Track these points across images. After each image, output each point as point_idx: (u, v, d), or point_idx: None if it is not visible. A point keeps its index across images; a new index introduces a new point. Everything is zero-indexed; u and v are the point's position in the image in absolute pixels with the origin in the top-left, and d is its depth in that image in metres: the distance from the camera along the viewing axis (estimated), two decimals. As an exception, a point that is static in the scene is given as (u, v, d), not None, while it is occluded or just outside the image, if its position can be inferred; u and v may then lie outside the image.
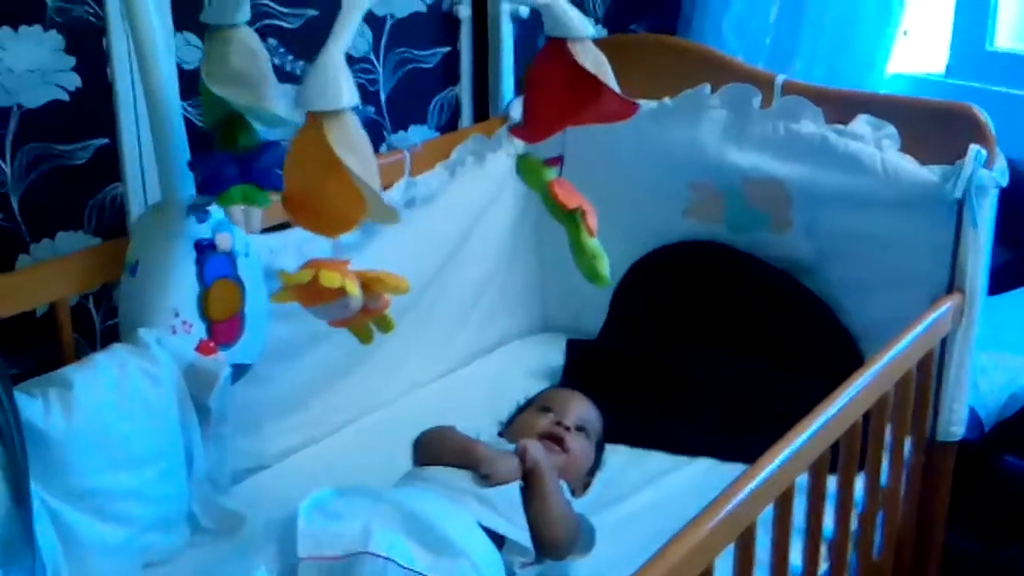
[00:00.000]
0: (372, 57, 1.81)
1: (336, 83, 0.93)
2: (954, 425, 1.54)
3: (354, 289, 1.07)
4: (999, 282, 1.71)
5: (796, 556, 1.23)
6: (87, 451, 1.20)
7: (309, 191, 1.00)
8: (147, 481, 1.28)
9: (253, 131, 1.29)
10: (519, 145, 1.54)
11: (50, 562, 1.15)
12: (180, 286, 1.31)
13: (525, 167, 1.18)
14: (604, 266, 1.14)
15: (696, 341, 1.69)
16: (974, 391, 1.57)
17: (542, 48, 1.14)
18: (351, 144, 0.93)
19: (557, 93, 1.11)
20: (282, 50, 1.68)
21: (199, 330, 1.34)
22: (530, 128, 1.16)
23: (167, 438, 1.31)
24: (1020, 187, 1.62)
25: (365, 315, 1.12)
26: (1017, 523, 1.66)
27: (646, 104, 1.73)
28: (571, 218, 1.14)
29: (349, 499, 1.19)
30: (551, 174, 1.17)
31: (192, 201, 1.31)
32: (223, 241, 1.34)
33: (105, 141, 1.47)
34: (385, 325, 1.16)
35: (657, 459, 1.55)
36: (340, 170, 0.93)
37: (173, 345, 1.30)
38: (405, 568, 1.07)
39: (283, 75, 1.69)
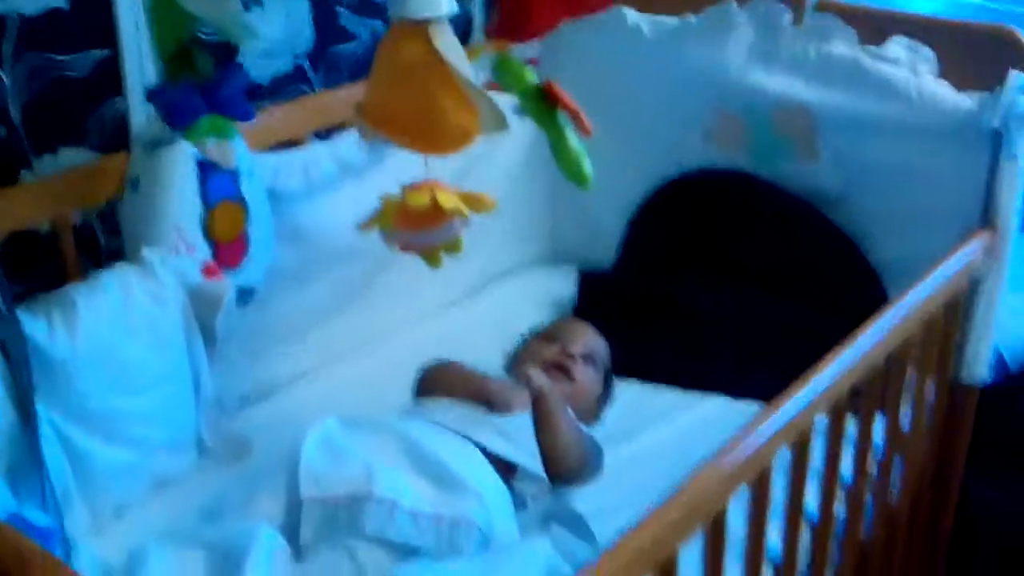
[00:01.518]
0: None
1: None
2: (979, 367, 1.49)
3: (465, 211, 1.02)
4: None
5: (812, 499, 1.20)
6: (93, 372, 1.19)
7: (415, 106, 0.93)
8: (154, 403, 1.27)
9: (209, 56, 1.23)
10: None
11: (59, 482, 1.15)
12: (183, 204, 1.28)
13: (504, 68, 1.10)
14: (588, 166, 1.07)
15: (714, 275, 1.64)
16: (1000, 333, 1.52)
17: None
18: (458, 52, 0.87)
19: None
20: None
21: (203, 251, 1.31)
22: (521, 27, 1.09)
23: (173, 361, 1.29)
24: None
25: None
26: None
27: (668, 20, 1.65)
28: (553, 119, 1.07)
29: (353, 433, 1.17)
30: (533, 75, 1.09)
31: (156, 137, 1.26)
32: (225, 155, 1.30)
33: (107, 52, 1.41)
34: (456, 247, 1.11)
35: (669, 395, 1.52)
36: (450, 81, 0.86)
37: (178, 266, 1.28)
38: (409, 509, 1.05)
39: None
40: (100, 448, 1.21)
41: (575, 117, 1.03)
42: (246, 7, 1.57)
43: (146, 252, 1.25)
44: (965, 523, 1.61)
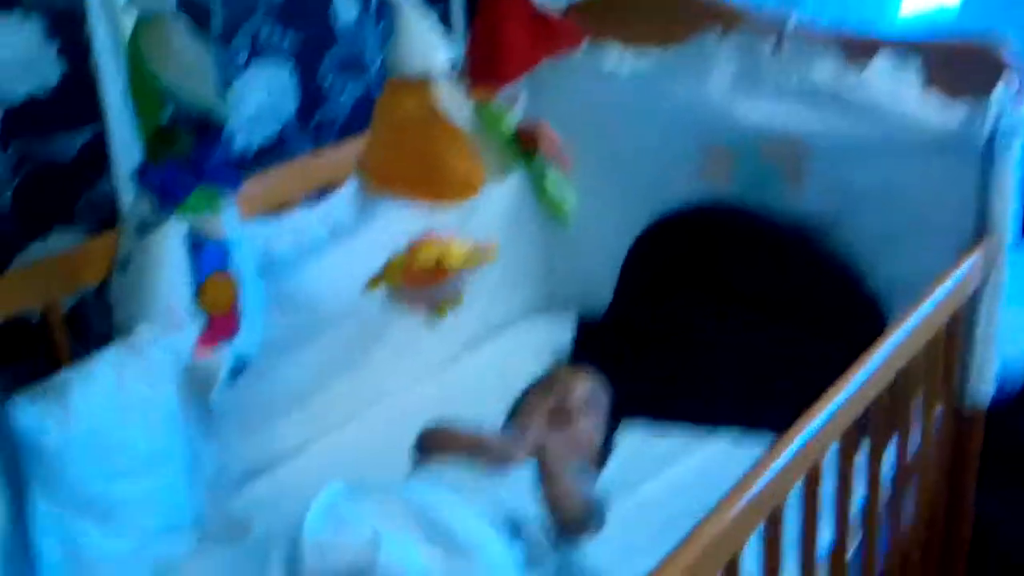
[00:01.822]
0: (362, 28, 1.74)
1: (433, 45, 0.87)
2: (984, 384, 1.47)
3: (470, 264, 1.01)
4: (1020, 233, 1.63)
5: (826, 532, 1.18)
6: (88, 458, 1.17)
7: (418, 160, 0.93)
8: (152, 487, 1.24)
9: (190, 131, 1.23)
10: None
11: (53, 574, 1.12)
12: (173, 282, 1.26)
13: (481, 115, 1.10)
14: (569, 203, 1.07)
15: (711, 309, 1.63)
16: (1000, 349, 1.50)
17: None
18: (459, 103, 0.88)
19: (512, 35, 1.05)
20: (268, 27, 1.63)
21: (195, 326, 1.30)
22: (495, 74, 1.10)
23: (170, 441, 1.27)
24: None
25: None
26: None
27: (648, 58, 1.65)
28: (532, 160, 1.07)
29: (358, 499, 1.16)
30: (512, 119, 1.09)
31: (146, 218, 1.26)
32: (215, 228, 1.29)
33: (94, 132, 1.42)
34: (459, 299, 1.11)
35: (675, 438, 1.49)
36: (452, 132, 0.87)
37: (171, 344, 1.26)
38: None
39: (272, 49, 1.64)
40: (98, 537, 1.19)
41: (554, 155, 1.03)
42: (230, 77, 1.59)
43: (137, 332, 1.23)
44: (978, 543, 1.58)
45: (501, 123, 1.09)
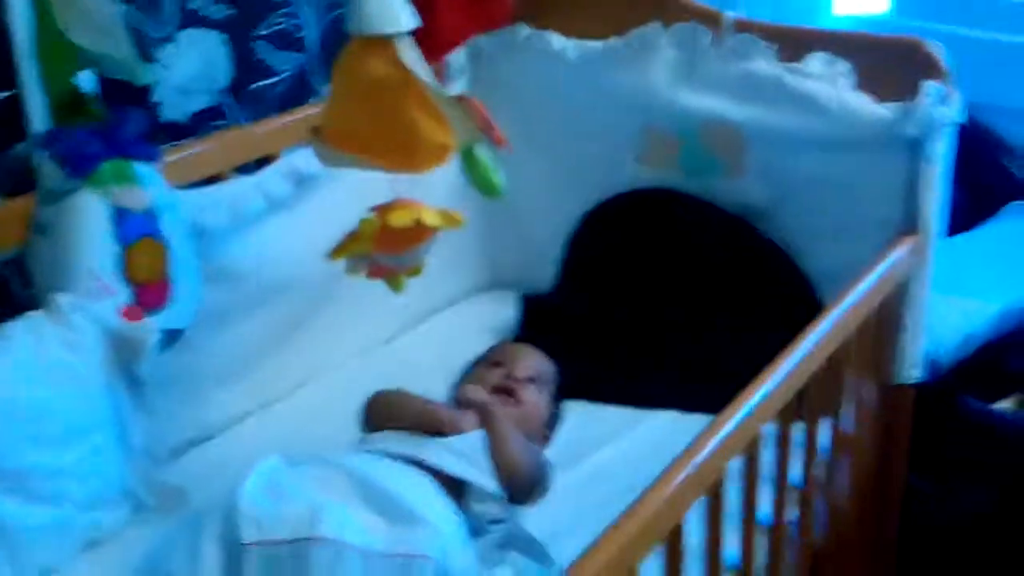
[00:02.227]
0: (297, -1, 1.71)
1: (398, 4, 0.83)
2: (912, 368, 1.53)
3: (447, 225, 0.98)
4: (953, 224, 1.69)
5: (765, 505, 1.20)
6: (5, 428, 1.12)
7: (387, 125, 0.88)
8: (78, 457, 1.20)
9: (99, 99, 1.19)
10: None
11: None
12: (95, 246, 1.22)
13: None
14: (498, 177, 1.05)
15: (652, 292, 1.64)
16: (931, 334, 1.56)
17: None
18: (423, 66, 0.84)
19: (444, 9, 1.03)
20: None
21: (122, 294, 1.25)
22: (426, 48, 1.08)
23: (95, 410, 1.23)
24: (973, 128, 1.60)
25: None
26: (975, 463, 1.66)
27: (592, 45, 1.66)
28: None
29: (296, 471, 1.13)
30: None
31: (54, 187, 1.21)
32: (134, 199, 1.25)
33: (8, 93, 1.35)
34: (418, 269, 1.07)
35: (617, 413, 1.51)
36: (422, 96, 0.83)
37: (94, 311, 1.22)
38: (359, 548, 1.01)
39: (202, 19, 1.59)
40: (19, 508, 1.14)
41: (487, 129, 1.02)
42: (157, 45, 1.54)
43: (59, 298, 1.19)
44: (910, 520, 1.63)
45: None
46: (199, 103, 1.61)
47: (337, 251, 1.02)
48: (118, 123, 1.20)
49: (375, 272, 1.04)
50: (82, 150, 1.19)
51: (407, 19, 0.86)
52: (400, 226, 0.95)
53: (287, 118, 1.56)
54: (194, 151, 1.45)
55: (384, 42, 0.84)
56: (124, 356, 1.25)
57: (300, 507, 1.05)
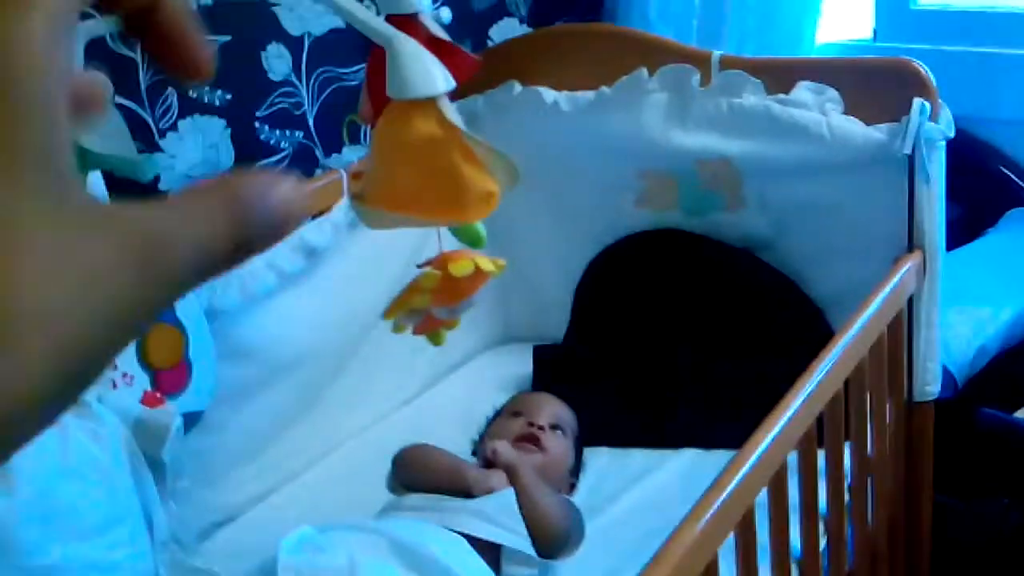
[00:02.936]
0: (294, 79, 1.75)
1: (435, 64, 0.88)
2: (929, 384, 1.52)
3: (498, 269, 1.01)
4: (955, 236, 1.70)
5: (795, 536, 1.20)
6: (36, 525, 1.12)
7: (437, 180, 0.92)
8: (106, 549, 1.19)
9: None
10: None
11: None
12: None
13: None
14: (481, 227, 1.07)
15: (663, 332, 1.65)
16: (944, 349, 1.56)
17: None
18: (460, 120, 0.88)
19: None
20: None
21: (142, 381, 1.27)
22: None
23: (122, 501, 1.23)
24: (967, 140, 1.62)
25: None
26: (999, 474, 1.65)
27: (583, 96, 1.69)
28: None
29: (331, 533, 1.13)
30: None
31: None
32: None
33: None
34: (456, 322, 1.09)
35: (639, 456, 1.51)
36: (467, 149, 0.87)
37: (115, 400, 1.23)
38: None
39: (203, 107, 1.64)
40: (51, 605, 1.14)
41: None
42: (160, 134, 1.58)
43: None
44: (942, 539, 1.62)
45: None
46: (205, 187, 1.64)
47: (393, 308, 1.03)
48: None
49: (424, 327, 1.05)
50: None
51: (445, 80, 0.92)
52: (461, 275, 0.98)
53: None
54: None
55: (427, 103, 0.88)
56: (148, 443, 1.25)
57: (338, 558, 1.05)
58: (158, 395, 1.27)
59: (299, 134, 1.78)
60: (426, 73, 0.86)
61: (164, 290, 0.26)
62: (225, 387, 1.38)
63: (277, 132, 1.75)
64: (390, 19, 1.08)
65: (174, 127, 1.59)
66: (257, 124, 1.72)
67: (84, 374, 0.25)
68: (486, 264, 0.98)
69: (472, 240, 1.05)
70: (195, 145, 1.62)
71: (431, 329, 1.04)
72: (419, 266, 1.01)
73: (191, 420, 1.32)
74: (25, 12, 0.26)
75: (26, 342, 0.23)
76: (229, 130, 1.67)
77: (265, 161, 1.73)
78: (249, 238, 0.28)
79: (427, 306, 0.99)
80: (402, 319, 1.02)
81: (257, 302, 1.46)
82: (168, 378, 1.30)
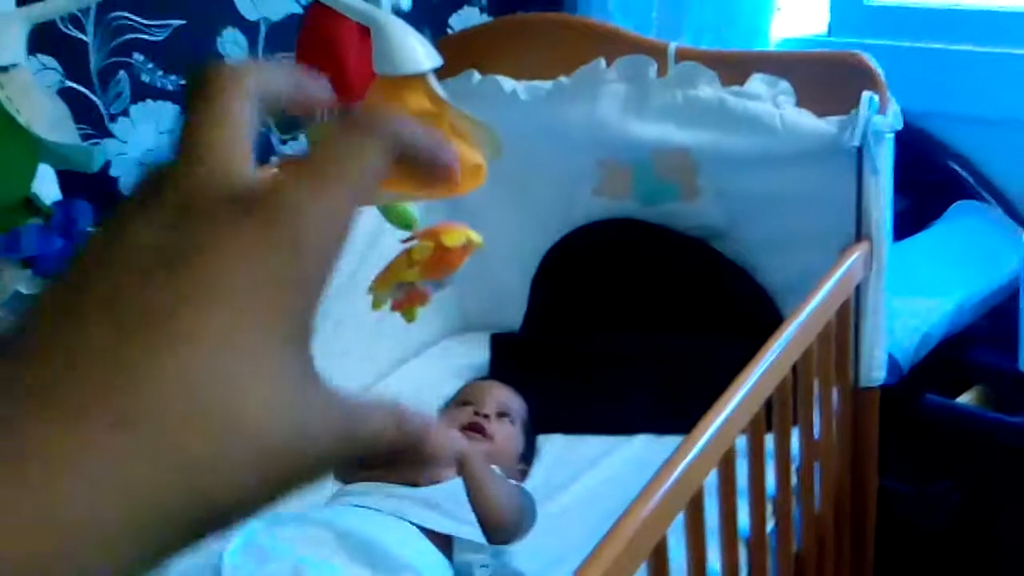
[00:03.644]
0: (252, 64, 1.75)
1: (420, 43, 0.89)
2: (875, 370, 1.56)
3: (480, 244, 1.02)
4: (902, 227, 1.74)
5: (743, 517, 1.23)
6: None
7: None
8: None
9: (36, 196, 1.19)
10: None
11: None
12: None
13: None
14: (411, 208, 1.07)
15: (620, 320, 1.68)
16: (890, 336, 1.60)
17: (310, 15, 1.08)
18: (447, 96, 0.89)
19: (346, 54, 1.06)
20: (150, 66, 1.61)
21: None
22: (340, 92, 1.10)
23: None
24: (911, 136, 1.66)
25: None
26: (943, 458, 1.70)
27: (541, 85, 1.71)
28: None
29: (276, 530, 1.13)
30: None
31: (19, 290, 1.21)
32: None
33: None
34: (427, 300, 1.09)
35: (594, 442, 1.53)
36: (454, 123, 0.88)
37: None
38: None
39: (155, 91, 1.62)
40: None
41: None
42: (111, 119, 1.56)
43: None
44: (888, 522, 1.67)
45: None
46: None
47: (381, 281, 1.03)
48: (68, 216, 1.20)
49: (404, 303, 1.05)
50: (47, 249, 1.18)
51: (433, 56, 0.93)
52: (454, 246, 0.99)
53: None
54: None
55: (416, 79, 0.89)
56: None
57: (283, 567, 1.05)
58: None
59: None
60: (414, 50, 0.87)
61: (330, 465, 0.29)
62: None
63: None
64: (316, 5, 1.07)
65: (125, 112, 1.58)
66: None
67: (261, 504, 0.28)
68: (475, 236, 1.00)
69: (406, 223, 1.06)
70: (147, 131, 1.61)
71: (409, 305, 1.05)
72: (404, 241, 1.02)
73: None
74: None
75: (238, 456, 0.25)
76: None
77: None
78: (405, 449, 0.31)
79: (416, 280, 1.00)
80: (385, 295, 1.03)
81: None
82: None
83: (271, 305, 0.27)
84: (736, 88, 1.58)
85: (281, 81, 0.32)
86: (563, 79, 1.70)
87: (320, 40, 1.04)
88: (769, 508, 1.29)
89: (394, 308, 1.04)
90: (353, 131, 0.31)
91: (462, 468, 1.24)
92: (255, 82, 0.31)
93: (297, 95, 0.33)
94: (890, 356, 1.61)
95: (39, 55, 1.41)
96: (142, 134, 1.60)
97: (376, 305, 1.04)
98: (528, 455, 1.43)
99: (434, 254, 0.99)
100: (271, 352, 0.27)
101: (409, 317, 1.07)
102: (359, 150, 0.30)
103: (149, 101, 1.61)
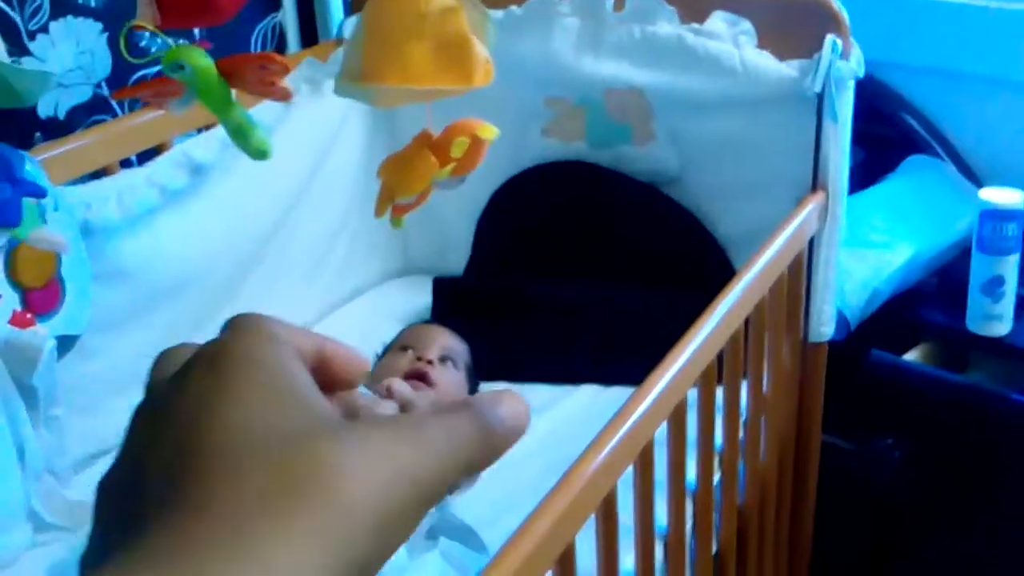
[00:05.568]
0: (184, -16, 1.63)
1: None
2: (824, 325, 1.54)
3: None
4: (855, 180, 1.71)
5: (691, 470, 1.20)
6: None
7: (446, 51, 0.88)
8: (-26, 480, 1.12)
9: None
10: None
11: None
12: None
13: (178, 57, 1.00)
14: (262, 138, 0.99)
15: (566, 267, 1.63)
16: (839, 291, 1.58)
17: None
18: None
19: None
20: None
21: (11, 300, 1.18)
22: (196, 14, 1.03)
23: (-11, 427, 1.15)
24: (867, 87, 1.62)
25: None
26: (887, 415, 1.69)
27: (492, 14, 1.62)
28: (225, 99, 0.98)
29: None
30: (205, 57, 1.01)
31: None
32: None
33: None
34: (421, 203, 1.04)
35: (538, 392, 1.49)
36: (472, 18, 0.83)
37: (-20, 321, 1.14)
38: None
39: (77, 7, 1.51)
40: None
41: (264, 92, 0.97)
42: (30, 36, 1.45)
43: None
44: (830, 478, 1.66)
45: (198, 59, 0.98)
46: (78, 97, 1.52)
47: (407, 184, 0.97)
48: (9, 162, 1.12)
49: (410, 206, 1.00)
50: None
51: None
52: (488, 139, 0.95)
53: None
54: (76, 144, 1.36)
55: None
56: (17, 367, 1.17)
57: None
58: (28, 315, 1.19)
59: (182, 40, 1.66)
60: None
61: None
62: (104, 310, 1.29)
63: (159, 39, 1.63)
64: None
65: (44, 29, 1.46)
66: (137, 30, 1.59)
67: None
68: (487, 131, 0.97)
69: (261, 151, 0.98)
70: (68, 50, 1.49)
71: (414, 208, 1.00)
72: (418, 140, 0.95)
73: (66, 344, 1.24)
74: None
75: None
76: (106, 34, 1.54)
77: (142, 72, 1.61)
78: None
79: (446, 178, 0.96)
80: (409, 200, 0.97)
81: (138, 220, 1.36)
82: (39, 298, 1.21)
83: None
84: (695, 26, 1.52)
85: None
86: (514, 8, 1.61)
87: None
88: (716, 461, 1.26)
89: (396, 214, 0.99)
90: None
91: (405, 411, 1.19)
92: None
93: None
94: (839, 312, 1.59)
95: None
96: (62, 53, 1.48)
97: (381, 211, 0.99)
98: (471, 403, 1.38)
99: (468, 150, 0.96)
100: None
101: (397, 223, 1.02)
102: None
103: (70, 18, 1.49)
